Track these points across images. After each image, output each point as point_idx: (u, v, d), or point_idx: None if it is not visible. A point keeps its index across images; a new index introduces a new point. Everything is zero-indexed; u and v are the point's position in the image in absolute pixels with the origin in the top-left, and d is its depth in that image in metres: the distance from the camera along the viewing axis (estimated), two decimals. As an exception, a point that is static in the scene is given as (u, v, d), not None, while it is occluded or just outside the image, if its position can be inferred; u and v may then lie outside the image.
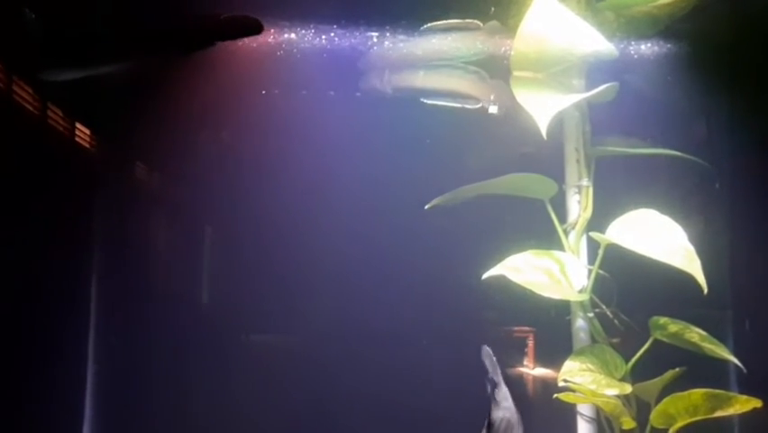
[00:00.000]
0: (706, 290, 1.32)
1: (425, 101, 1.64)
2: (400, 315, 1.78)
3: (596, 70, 1.53)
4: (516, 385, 1.84)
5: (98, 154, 1.82)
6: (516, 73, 1.52)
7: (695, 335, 1.48)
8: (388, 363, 1.78)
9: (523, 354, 1.87)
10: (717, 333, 1.49)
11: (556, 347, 1.81)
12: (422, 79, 1.63)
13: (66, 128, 1.72)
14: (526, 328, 1.87)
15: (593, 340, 1.54)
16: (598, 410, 1.49)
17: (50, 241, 1.60)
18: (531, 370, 1.85)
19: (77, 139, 1.77)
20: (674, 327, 1.49)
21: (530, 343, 1.88)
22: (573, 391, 1.43)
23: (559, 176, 1.57)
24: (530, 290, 1.43)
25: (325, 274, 1.82)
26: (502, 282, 1.46)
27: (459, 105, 1.63)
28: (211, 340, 1.80)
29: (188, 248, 1.89)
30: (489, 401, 1.77)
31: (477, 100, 1.61)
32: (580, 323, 1.55)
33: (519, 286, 1.43)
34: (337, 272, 1.80)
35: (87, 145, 1.80)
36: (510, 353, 1.87)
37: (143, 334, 1.72)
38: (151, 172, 1.90)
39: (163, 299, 1.82)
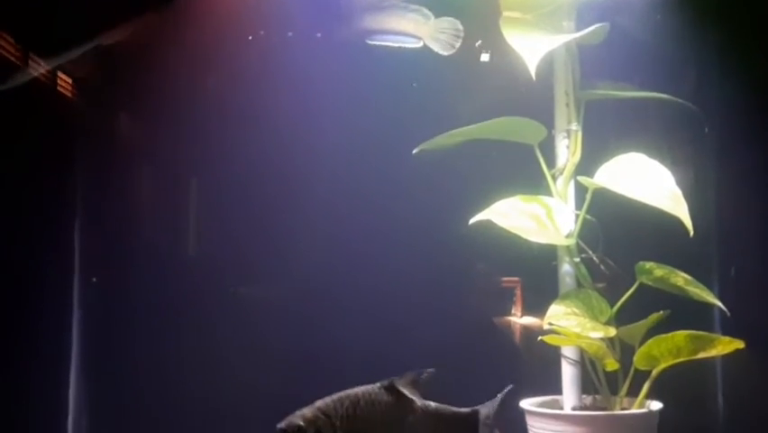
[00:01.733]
0: (692, 233, 1.32)
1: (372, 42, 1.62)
2: (387, 265, 1.78)
3: (586, 11, 1.51)
4: (504, 333, 1.86)
5: (80, 104, 1.79)
6: (505, 13, 1.49)
7: (680, 279, 1.49)
8: (375, 314, 1.78)
9: (511, 302, 1.88)
10: (702, 278, 1.50)
11: (543, 296, 1.84)
12: (370, 21, 1.62)
13: (47, 77, 1.69)
14: (514, 278, 1.87)
15: (579, 285, 1.54)
16: (582, 353, 1.51)
17: (34, 191, 1.58)
18: (518, 318, 1.86)
19: (59, 89, 1.74)
20: (660, 271, 1.50)
21: (517, 292, 1.88)
22: (558, 334, 1.44)
23: (548, 122, 1.56)
24: (517, 239, 1.43)
25: (311, 224, 1.81)
26: (491, 232, 1.46)
27: (398, 45, 1.61)
28: (196, 293, 1.79)
29: (173, 199, 1.87)
30: (474, 353, 1.80)
31: (419, 39, 1.59)
32: (566, 268, 1.55)
33: (507, 235, 1.43)
34: (323, 222, 1.79)
35: (69, 95, 1.77)
36: (498, 301, 1.88)
37: (127, 286, 1.70)
38: (135, 122, 1.87)
39: (147, 251, 1.80)
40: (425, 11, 1.58)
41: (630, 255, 1.56)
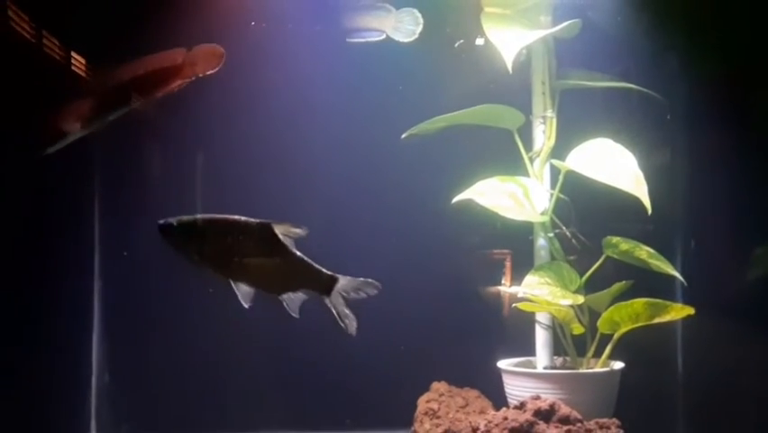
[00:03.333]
0: (650, 211, 1.48)
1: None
2: (376, 243, 1.90)
3: (561, 7, 1.64)
4: (494, 301, 2.01)
5: (93, 82, 1.89)
6: (486, 9, 1.63)
7: (644, 252, 1.64)
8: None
9: (501, 273, 2.02)
10: (666, 252, 1.65)
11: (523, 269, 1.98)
12: (343, 21, 1.75)
13: (61, 56, 1.78)
14: (505, 251, 2.01)
15: (552, 258, 1.70)
16: (553, 319, 1.67)
17: (55, 169, 1.68)
18: (508, 288, 2.00)
19: (72, 68, 1.83)
20: (625, 245, 1.65)
21: (507, 264, 2.02)
22: (532, 301, 1.59)
23: (526, 109, 1.70)
24: (496, 217, 1.57)
25: (302, 205, 1.93)
26: (473, 211, 1.60)
27: (365, 40, 1.73)
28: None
29: (186, 176, 1.97)
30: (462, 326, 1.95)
31: (382, 32, 1.72)
32: (540, 242, 1.71)
33: (488, 213, 1.57)
34: (313, 204, 1.91)
35: (83, 73, 1.87)
36: (490, 272, 2.01)
37: (144, 255, 1.83)
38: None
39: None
40: (387, 5, 1.70)
41: (599, 231, 1.71)
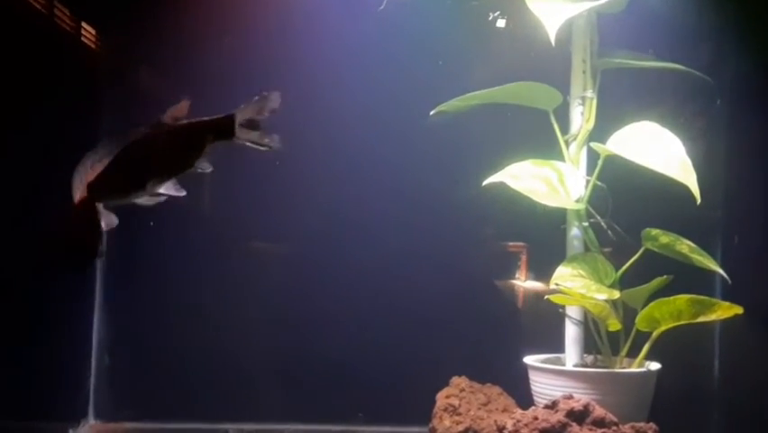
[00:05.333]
0: (699, 201, 1.36)
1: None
2: (399, 225, 1.82)
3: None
4: (509, 295, 1.91)
5: (103, 54, 1.81)
6: (528, -20, 1.52)
7: (685, 246, 1.53)
8: (383, 274, 1.83)
9: (516, 266, 1.93)
10: (706, 246, 1.54)
11: (548, 261, 1.89)
12: None
13: (72, 27, 1.71)
14: (520, 244, 1.92)
15: (586, 249, 1.59)
16: (585, 314, 1.56)
17: (57, 141, 1.61)
18: (523, 282, 1.91)
19: (82, 39, 1.75)
20: (665, 238, 1.54)
21: (523, 257, 1.93)
22: (564, 294, 1.49)
23: (563, 89, 1.59)
24: (527, 202, 1.47)
25: (323, 184, 1.84)
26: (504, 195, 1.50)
27: None
28: (211, 243, 1.84)
29: None
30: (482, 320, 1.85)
31: None
32: (574, 231, 1.60)
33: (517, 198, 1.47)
34: (335, 182, 1.83)
35: (93, 45, 1.79)
36: (504, 266, 1.92)
37: (146, 235, 1.74)
38: (155, 73, 1.89)
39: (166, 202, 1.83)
40: None
41: (636, 222, 1.60)
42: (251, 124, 1.34)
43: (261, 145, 1.35)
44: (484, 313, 1.85)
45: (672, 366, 1.55)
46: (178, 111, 1.31)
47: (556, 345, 1.62)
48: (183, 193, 1.34)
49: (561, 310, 1.84)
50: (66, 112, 1.62)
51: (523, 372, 1.66)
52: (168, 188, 1.34)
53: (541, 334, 1.70)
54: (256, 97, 1.34)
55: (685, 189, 1.40)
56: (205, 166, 1.34)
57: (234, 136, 1.33)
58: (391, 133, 1.79)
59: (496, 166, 1.52)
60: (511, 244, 1.93)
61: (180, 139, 1.31)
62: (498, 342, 1.81)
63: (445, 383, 1.68)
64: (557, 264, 1.52)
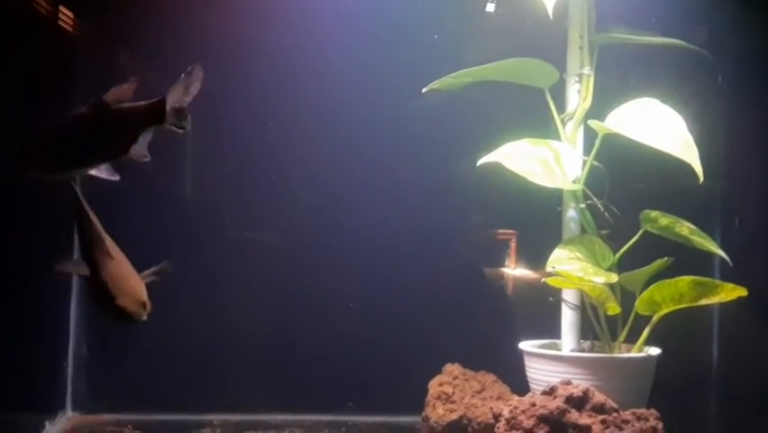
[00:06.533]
0: (702, 179, 1.32)
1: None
2: (388, 212, 1.76)
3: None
4: (501, 282, 1.86)
5: (81, 38, 1.74)
6: (522, -50, 1.46)
7: (685, 228, 1.49)
8: (373, 260, 1.77)
9: (507, 253, 1.88)
10: (705, 229, 1.50)
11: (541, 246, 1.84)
12: None
13: (49, 11, 1.64)
14: (510, 231, 1.87)
15: (583, 231, 1.54)
16: (582, 298, 1.51)
17: (32, 126, 1.54)
18: (512, 270, 1.86)
19: (59, 23, 1.68)
20: (665, 220, 1.50)
21: (512, 244, 1.88)
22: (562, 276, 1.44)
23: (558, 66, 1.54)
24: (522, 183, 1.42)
25: (312, 170, 1.78)
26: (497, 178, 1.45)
27: None
28: (193, 229, 1.77)
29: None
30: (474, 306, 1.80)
31: None
32: (570, 213, 1.55)
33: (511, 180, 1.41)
34: (325, 168, 1.77)
35: (70, 29, 1.72)
36: (496, 252, 1.87)
37: (125, 221, 1.67)
38: (133, 57, 1.81)
39: (147, 186, 1.76)
40: None
41: (634, 204, 1.56)
42: (180, 106, 1.28)
43: (181, 127, 1.29)
44: (476, 300, 1.81)
45: (670, 352, 1.51)
46: (122, 92, 1.25)
47: (548, 333, 1.57)
48: (116, 177, 1.31)
49: (552, 299, 1.83)
50: (42, 96, 1.54)
51: (516, 360, 1.62)
52: (100, 171, 1.31)
53: (534, 321, 1.65)
54: (182, 75, 1.27)
55: (687, 169, 1.37)
56: (141, 154, 1.27)
57: (165, 122, 1.26)
58: (383, 113, 1.74)
59: (489, 147, 1.47)
60: (501, 231, 1.88)
61: (112, 123, 1.26)
62: (490, 330, 1.76)
63: (436, 372, 1.63)
64: (550, 249, 1.47)
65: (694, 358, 1.67)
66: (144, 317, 1.36)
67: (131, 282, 1.37)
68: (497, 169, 1.44)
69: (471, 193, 1.77)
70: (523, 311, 1.82)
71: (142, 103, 1.25)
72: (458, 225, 1.84)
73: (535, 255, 1.66)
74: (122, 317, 1.35)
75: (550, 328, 1.59)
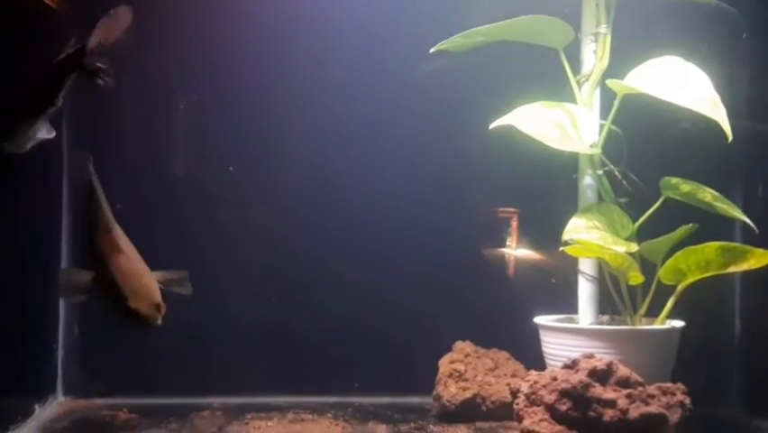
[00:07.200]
0: (731, 138, 1.24)
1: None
2: (395, 185, 1.68)
3: None
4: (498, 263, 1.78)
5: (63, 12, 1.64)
6: None
7: (708, 194, 1.41)
8: (375, 234, 1.70)
9: (506, 233, 1.80)
10: (727, 196, 1.42)
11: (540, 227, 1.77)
12: None
13: None
14: (511, 209, 1.79)
15: (600, 199, 1.47)
16: (600, 269, 1.44)
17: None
18: (513, 250, 1.78)
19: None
20: (687, 186, 1.42)
21: (514, 223, 1.80)
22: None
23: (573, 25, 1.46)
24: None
25: (312, 142, 1.70)
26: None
27: None
28: (188, 209, 1.68)
29: (162, 117, 1.72)
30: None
31: None
32: (587, 180, 1.47)
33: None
34: (325, 141, 1.69)
35: (52, 3, 1.62)
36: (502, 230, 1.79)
37: (117, 197, 1.58)
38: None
39: (136, 168, 1.67)
40: None
41: (651, 170, 1.48)
42: (103, 50, 1.24)
43: (104, 80, 1.26)
44: (482, 278, 1.73)
45: (691, 325, 1.44)
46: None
47: (558, 311, 1.50)
48: (53, 134, 1.28)
49: (554, 281, 1.76)
50: (24, 72, 1.45)
51: (525, 338, 1.55)
52: (40, 131, 1.27)
53: (542, 299, 1.58)
54: (104, 18, 1.23)
55: (707, 135, 1.28)
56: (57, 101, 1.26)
57: (83, 66, 1.23)
58: (390, 75, 1.65)
59: (499, 113, 1.38)
60: (503, 209, 1.79)
61: (40, 77, 1.26)
62: (496, 308, 1.68)
63: (443, 351, 1.56)
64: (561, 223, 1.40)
65: (716, 331, 1.60)
66: (159, 321, 1.29)
67: (143, 281, 1.29)
68: (508, 138, 1.36)
69: (480, 167, 1.69)
70: (530, 289, 1.74)
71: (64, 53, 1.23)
72: (466, 200, 1.76)
73: (547, 230, 1.57)
74: (134, 321, 1.27)
75: (558, 306, 1.53)
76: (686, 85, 1.30)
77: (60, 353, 1.61)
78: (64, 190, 1.61)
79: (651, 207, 1.44)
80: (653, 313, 1.44)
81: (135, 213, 1.45)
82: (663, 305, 1.40)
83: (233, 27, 1.66)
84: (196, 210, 1.68)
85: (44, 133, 1.27)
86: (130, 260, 1.30)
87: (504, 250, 1.79)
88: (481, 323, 1.65)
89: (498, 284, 1.76)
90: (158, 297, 1.29)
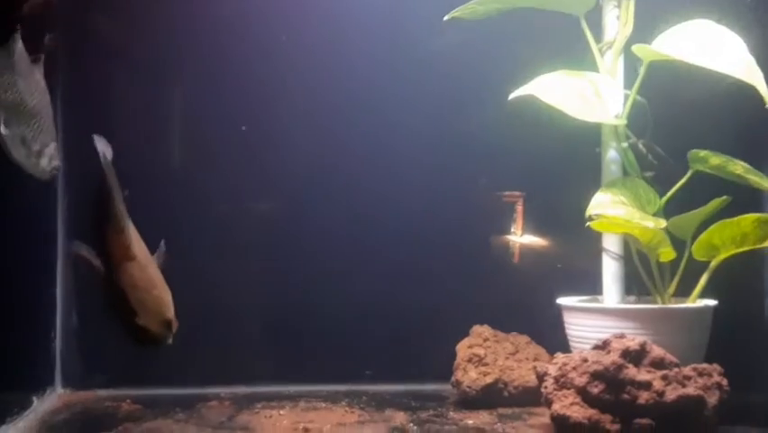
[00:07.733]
0: (768, 103, 1.17)
1: None
2: (409, 165, 1.61)
3: None
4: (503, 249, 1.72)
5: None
6: None
7: (739, 167, 1.34)
8: (388, 217, 1.63)
9: (511, 219, 1.72)
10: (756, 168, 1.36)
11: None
12: None
13: None
14: (516, 193, 1.71)
15: (625, 173, 1.40)
16: (626, 247, 1.37)
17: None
18: (519, 237, 1.70)
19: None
20: (716, 159, 1.35)
21: (519, 208, 1.72)
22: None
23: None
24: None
25: (320, 126, 1.62)
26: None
27: None
28: (194, 196, 1.61)
29: (155, 104, 1.64)
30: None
31: None
32: (611, 154, 1.40)
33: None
34: (334, 124, 1.62)
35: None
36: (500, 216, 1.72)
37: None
38: (119, 20, 1.64)
39: (129, 156, 1.59)
40: None
41: (677, 143, 1.41)
42: (35, 11, 1.16)
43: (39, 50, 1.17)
44: (498, 262, 1.66)
45: (721, 305, 1.37)
46: None
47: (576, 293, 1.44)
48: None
49: (559, 266, 1.68)
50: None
51: (543, 322, 1.48)
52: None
53: (562, 283, 1.51)
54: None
55: (734, 105, 1.20)
56: None
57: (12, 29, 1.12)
58: (403, 44, 1.58)
59: (519, 81, 1.31)
60: (508, 193, 1.72)
61: None
62: (515, 292, 1.62)
63: (458, 337, 1.49)
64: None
65: (747, 307, 1.52)
66: (170, 341, 1.18)
67: (155, 293, 1.18)
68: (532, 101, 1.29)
69: (497, 149, 1.62)
70: (547, 273, 1.67)
71: None
72: (481, 184, 1.69)
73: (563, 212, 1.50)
74: (142, 339, 1.16)
75: (576, 289, 1.47)
76: (719, 48, 1.23)
77: (58, 342, 1.54)
78: (60, 178, 1.53)
79: (676, 181, 1.37)
80: (680, 293, 1.38)
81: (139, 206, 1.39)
82: (689, 285, 1.34)
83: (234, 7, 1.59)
84: (195, 197, 1.61)
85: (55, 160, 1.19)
86: (141, 267, 1.18)
87: (508, 237, 1.72)
88: (497, 308, 1.58)
89: (511, 269, 1.69)
90: (169, 312, 1.18)
